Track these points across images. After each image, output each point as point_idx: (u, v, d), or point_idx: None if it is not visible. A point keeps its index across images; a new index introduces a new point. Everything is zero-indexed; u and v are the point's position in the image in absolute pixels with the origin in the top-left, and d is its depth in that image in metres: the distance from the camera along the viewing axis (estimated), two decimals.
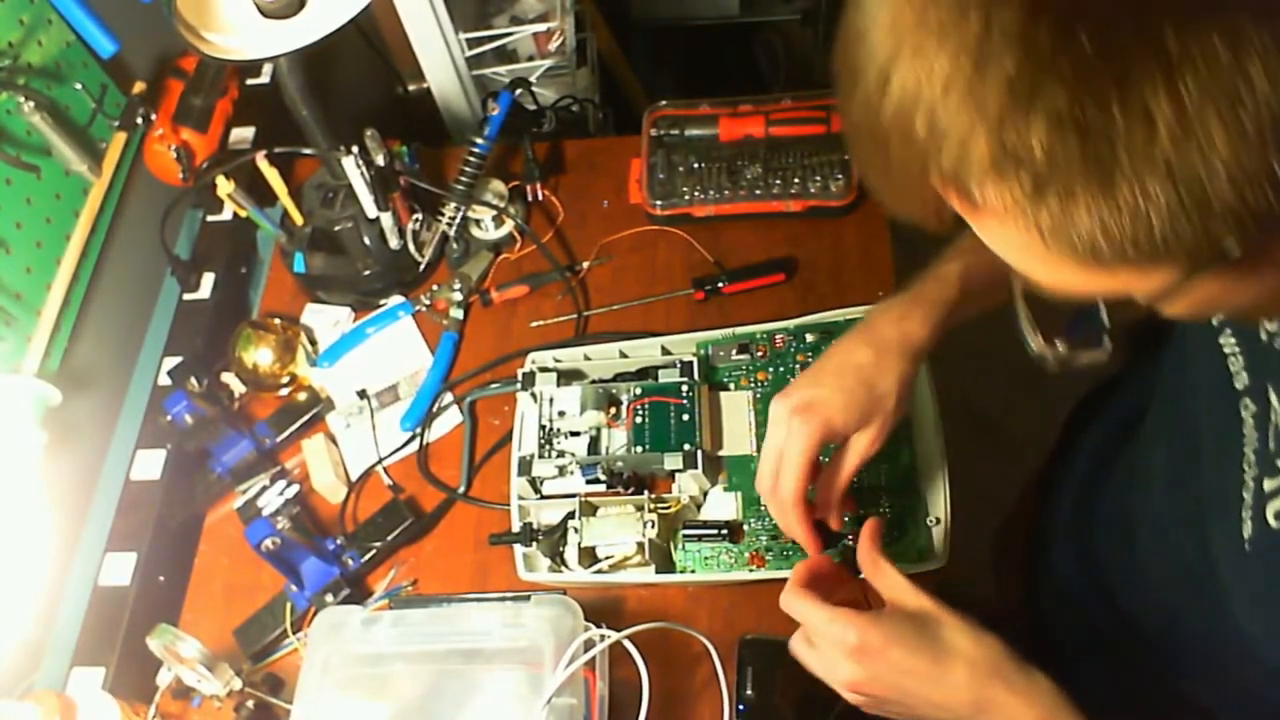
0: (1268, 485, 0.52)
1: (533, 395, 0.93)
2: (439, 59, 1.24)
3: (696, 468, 0.86)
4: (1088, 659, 0.88)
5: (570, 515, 0.87)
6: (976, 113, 0.35)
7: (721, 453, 0.90)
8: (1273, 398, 0.51)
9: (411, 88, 1.35)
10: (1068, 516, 0.92)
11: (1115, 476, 0.83)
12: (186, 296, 1.09)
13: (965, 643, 0.60)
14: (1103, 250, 0.35)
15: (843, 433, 0.70)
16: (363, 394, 1.03)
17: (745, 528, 0.87)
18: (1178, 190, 0.33)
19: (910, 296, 0.73)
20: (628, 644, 0.74)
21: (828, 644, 0.62)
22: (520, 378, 0.94)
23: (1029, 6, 0.33)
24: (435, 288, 1.08)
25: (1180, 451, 0.66)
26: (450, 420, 1.01)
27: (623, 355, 0.96)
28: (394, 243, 1.06)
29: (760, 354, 0.94)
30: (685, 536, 0.87)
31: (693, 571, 0.86)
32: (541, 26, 1.33)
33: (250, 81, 1.21)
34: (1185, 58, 0.32)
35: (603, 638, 0.75)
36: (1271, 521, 0.51)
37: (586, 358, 0.96)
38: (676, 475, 0.88)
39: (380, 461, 0.99)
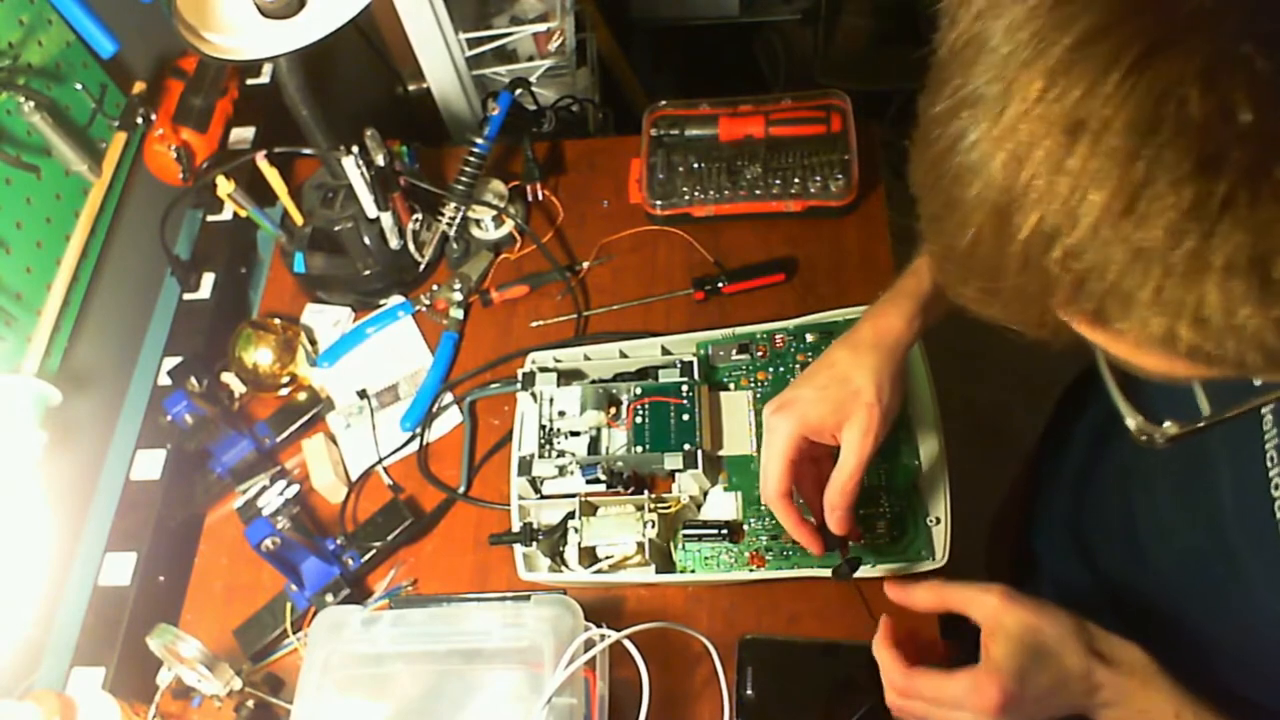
0: None
1: (533, 395, 0.93)
2: (439, 59, 1.24)
3: (696, 468, 0.86)
4: None
5: (570, 515, 0.87)
6: (1133, 259, 0.34)
7: (721, 453, 0.90)
8: None
9: (411, 88, 1.35)
10: (1063, 508, 0.92)
11: (1111, 467, 0.83)
12: (186, 296, 1.09)
13: (1063, 633, 0.62)
14: (1253, 367, 0.35)
15: (818, 426, 0.71)
16: (363, 394, 1.03)
17: (745, 528, 0.87)
18: None
19: (888, 295, 0.75)
20: (628, 644, 0.74)
21: (961, 713, 0.63)
22: (520, 378, 0.94)
23: (1204, 158, 0.32)
24: (435, 288, 1.08)
25: (1183, 450, 0.67)
26: (450, 420, 1.01)
27: (623, 355, 0.96)
28: (394, 243, 1.06)
29: (760, 354, 0.94)
30: (685, 536, 0.87)
31: (693, 571, 0.86)
32: (541, 26, 1.33)
33: (250, 81, 1.21)
34: None
35: (603, 638, 0.75)
36: None
37: (586, 358, 0.96)
38: (676, 475, 0.88)
39: (380, 461, 0.99)
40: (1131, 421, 0.49)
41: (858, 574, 0.80)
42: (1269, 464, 0.55)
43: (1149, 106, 0.32)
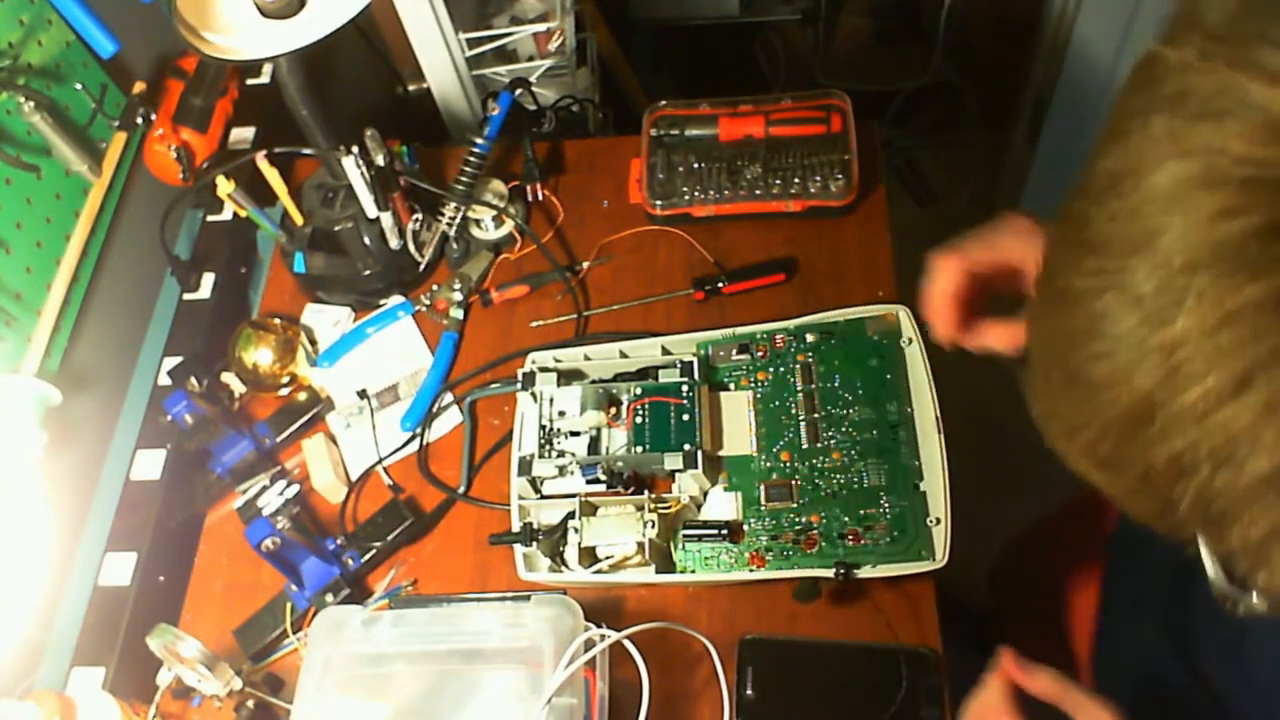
0: None
1: (533, 395, 0.93)
2: (439, 59, 1.24)
3: (696, 468, 0.86)
4: None
5: (570, 515, 0.87)
6: (1272, 530, 0.33)
7: (721, 453, 0.90)
8: None
9: (411, 88, 1.35)
10: (1158, 598, 0.85)
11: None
12: (186, 296, 1.09)
13: None
14: None
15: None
16: (363, 394, 1.03)
17: (745, 528, 0.87)
18: None
19: None
20: (628, 644, 0.74)
21: None
22: (520, 378, 0.94)
23: None
24: (435, 288, 1.08)
25: None
26: (450, 420, 1.01)
27: (623, 355, 0.96)
28: (394, 243, 1.06)
29: (760, 354, 0.94)
30: (685, 536, 0.87)
31: (693, 571, 0.86)
32: (541, 26, 1.33)
33: (250, 81, 1.21)
34: None
35: (603, 638, 0.75)
36: None
37: (586, 358, 0.96)
38: (676, 475, 0.88)
39: (380, 461, 0.99)
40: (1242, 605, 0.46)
41: (859, 574, 0.81)
42: None
43: None
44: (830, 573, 0.81)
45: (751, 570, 0.85)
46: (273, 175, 1.01)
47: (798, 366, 0.93)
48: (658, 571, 0.84)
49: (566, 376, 0.95)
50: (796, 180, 1.04)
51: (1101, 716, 0.64)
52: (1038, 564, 1.13)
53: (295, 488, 0.87)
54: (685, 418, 0.89)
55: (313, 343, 1.07)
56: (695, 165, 1.07)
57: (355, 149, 0.96)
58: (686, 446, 0.87)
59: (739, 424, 0.91)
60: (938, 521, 0.83)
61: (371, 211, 1.03)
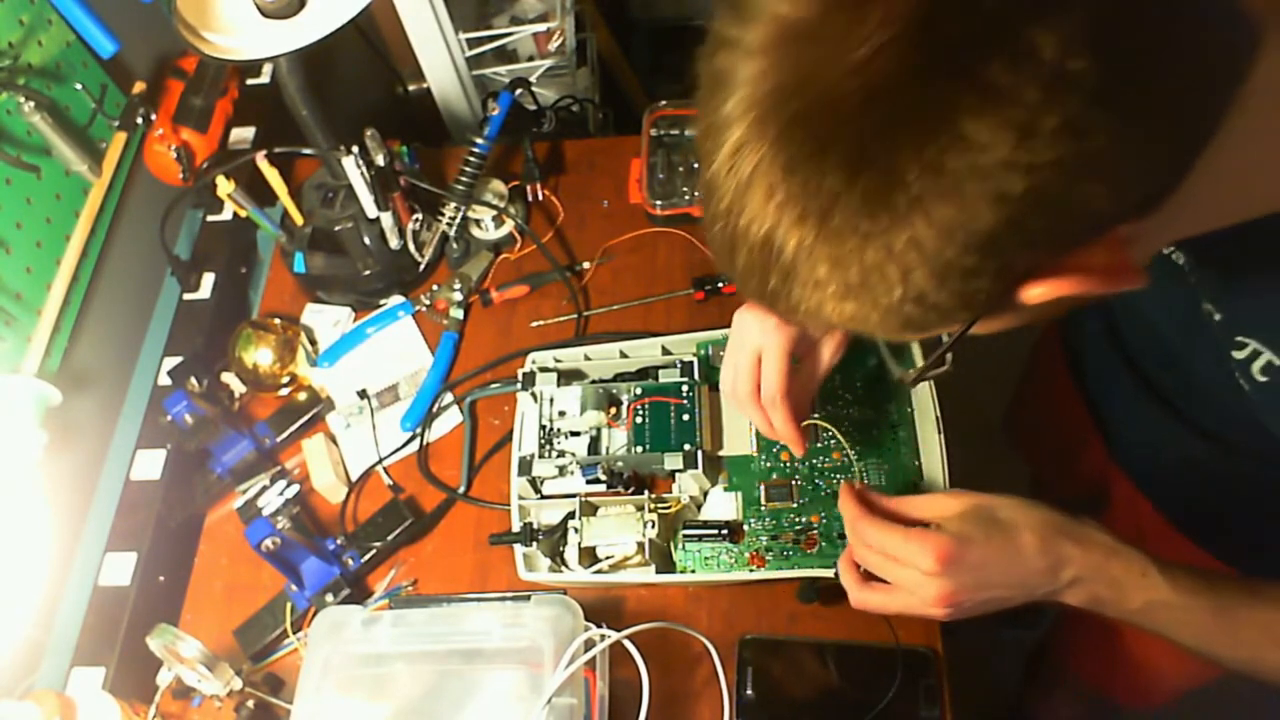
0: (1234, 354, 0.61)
1: (533, 395, 0.93)
2: (439, 59, 1.24)
3: (696, 468, 0.86)
4: None
5: (570, 515, 0.87)
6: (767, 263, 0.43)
7: (721, 453, 0.90)
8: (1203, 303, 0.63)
9: (411, 88, 1.35)
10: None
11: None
12: (186, 296, 1.09)
13: (1021, 515, 0.65)
14: (916, 329, 0.44)
15: (811, 339, 0.78)
16: (363, 394, 1.03)
17: (745, 528, 0.87)
18: (939, 289, 0.41)
19: None
20: (628, 644, 0.74)
21: (907, 569, 0.65)
22: (520, 378, 0.94)
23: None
24: (435, 288, 1.08)
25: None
26: (450, 420, 1.01)
27: (623, 355, 0.96)
28: (394, 243, 1.06)
29: None
30: (685, 536, 0.87)
31: (693, 571, 0.86)
32: (541, 26, 1.33)
33: (250, 81, 1.21)
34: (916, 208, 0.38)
35: (603, 638, 0.75)
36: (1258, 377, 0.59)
37: (587, 358, 0.96)
38: (676, 475, 0.88)
39: (380, 461, 0.99)
40: (897, 373, 0.70)
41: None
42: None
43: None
44: (830, 573, 0.81)
45: (751, 570, 0.85)
46: (273, 175, 1.01)
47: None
48: (658, 571, 0.84)
49: (566, 376, 0.95)
50: None
51: (939, 497, 0.68)
52: (1035, 420, 1.23)
53: (295, 488, 0.87)
54: (685, 418, 0.89)
55: (313, 343, 1.07)
56: (695, 165, 1.07)
57: (355, 149, 0.96)
58: (686, 446, 0.87)
59: (739, 424, 0.91)
60: None
61: (371, 211, 1.03)
